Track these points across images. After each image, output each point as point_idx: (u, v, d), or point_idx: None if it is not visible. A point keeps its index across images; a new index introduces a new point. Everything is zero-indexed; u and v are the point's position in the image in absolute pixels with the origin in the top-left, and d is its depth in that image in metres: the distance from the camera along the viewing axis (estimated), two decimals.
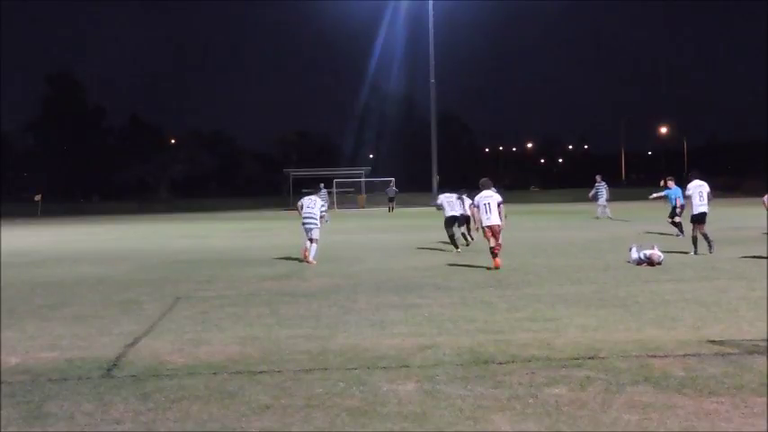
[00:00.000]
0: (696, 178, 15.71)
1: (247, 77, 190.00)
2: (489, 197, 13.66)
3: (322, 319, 8.81)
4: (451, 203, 17.86)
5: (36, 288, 12.33)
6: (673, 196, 20.15)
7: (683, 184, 23.77)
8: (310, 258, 15.22)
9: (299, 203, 15.88)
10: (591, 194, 30.95)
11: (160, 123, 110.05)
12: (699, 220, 15.16)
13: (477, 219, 14.05)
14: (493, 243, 13.37)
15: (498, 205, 13.54)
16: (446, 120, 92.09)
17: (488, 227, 13.51)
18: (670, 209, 20.22)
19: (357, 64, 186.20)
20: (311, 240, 15.40)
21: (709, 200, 15.43)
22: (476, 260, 14.55)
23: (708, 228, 15.32)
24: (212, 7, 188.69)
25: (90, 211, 62.91)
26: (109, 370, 6.59)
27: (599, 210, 30.03)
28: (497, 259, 13.28)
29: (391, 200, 47.48)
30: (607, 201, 29.92)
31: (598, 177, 30.28)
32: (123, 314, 9.52)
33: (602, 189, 29.69)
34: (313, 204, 15.57)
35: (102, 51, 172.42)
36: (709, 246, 14.80)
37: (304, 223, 15.49)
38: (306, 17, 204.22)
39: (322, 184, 17.62)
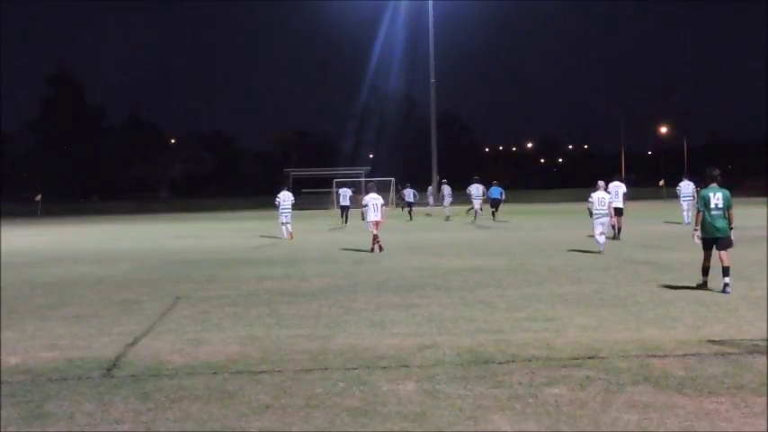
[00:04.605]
0: (616, 180, 17.50)
1: (247, 77, 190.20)
2: (377, 199, 17.64)
3: (322, 319, 8.81)
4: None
5: (36, 288, 12.32)
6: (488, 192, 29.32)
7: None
8: (292, 234, 22.03)
9: (276, 201, 22.27)
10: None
11: (160, 123, 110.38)
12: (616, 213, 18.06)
13: (365, 215, 17.55)
14: (376, 232, 17.21)
15: (382, 206, 17.54)
16: (446, 119, 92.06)
17: (376, 222, 17.24)
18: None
19: (357, 64, 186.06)
20: (285, 224, 21.95)
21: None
22: (474, 259, 14.56)
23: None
24: (212, 7, 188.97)
25: (90, 211, 62.92)
26: (109, 370, 6.58)
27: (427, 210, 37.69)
28: (380, 244, 17.09)
29: None
30: (440, 204, 35.11)
31: (430, 188, 43.34)
32: (123, 314, 9.52)
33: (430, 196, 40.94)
34: (288, 199, 22.18)
35: (101, 51, 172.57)
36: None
37: (282, 212, 22.03)
38: (306, 17, 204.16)
39: (286, 187, 22.79)
